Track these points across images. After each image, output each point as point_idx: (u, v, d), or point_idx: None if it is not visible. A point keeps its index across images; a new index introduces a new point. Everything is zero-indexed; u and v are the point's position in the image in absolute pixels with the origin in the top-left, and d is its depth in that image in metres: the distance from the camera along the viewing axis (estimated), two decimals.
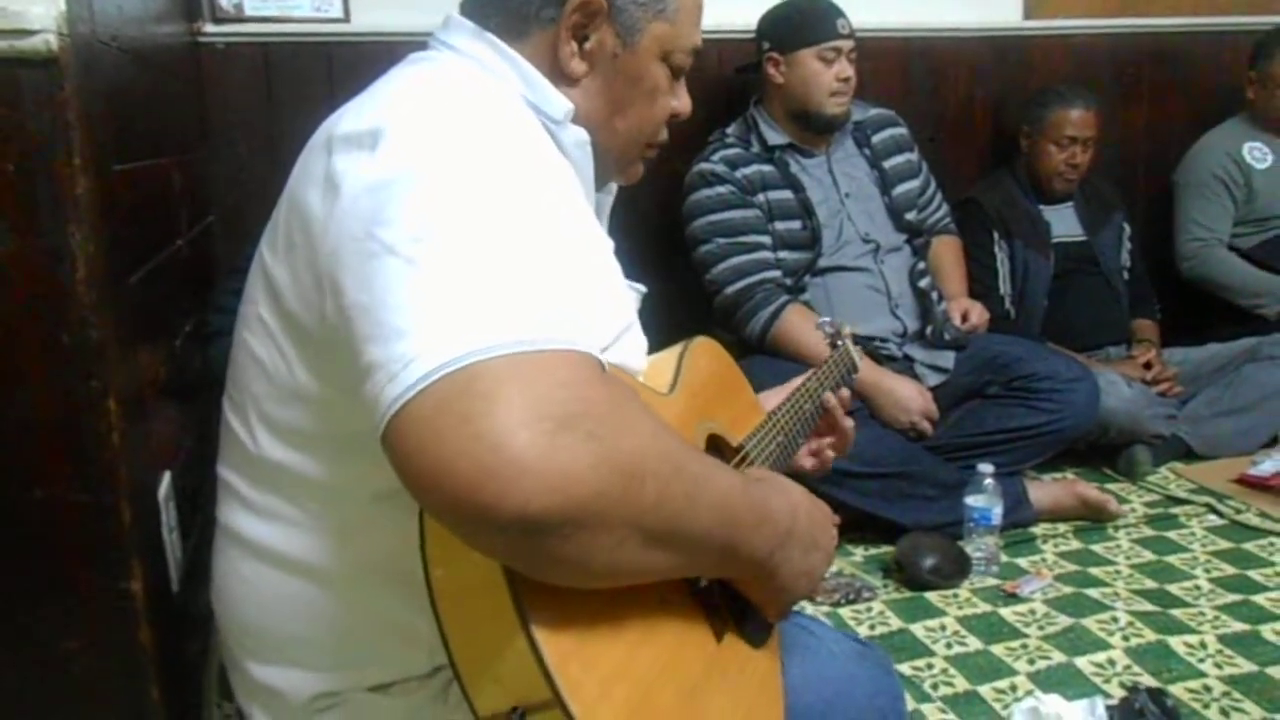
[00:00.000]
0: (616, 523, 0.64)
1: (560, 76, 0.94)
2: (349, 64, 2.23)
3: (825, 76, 2.26)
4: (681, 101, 1.04)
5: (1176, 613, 1.79)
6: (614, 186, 1.08)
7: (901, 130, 2.48)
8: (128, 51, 1.24)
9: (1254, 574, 1.93)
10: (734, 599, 0.88)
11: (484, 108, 0.84)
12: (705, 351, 1.07)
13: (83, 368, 0.87)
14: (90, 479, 0.89)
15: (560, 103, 0.92)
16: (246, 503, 0.90)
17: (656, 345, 1.01)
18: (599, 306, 0.84)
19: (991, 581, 1.94)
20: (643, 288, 1.02)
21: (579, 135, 0.94)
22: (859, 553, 2.07)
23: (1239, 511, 2.20)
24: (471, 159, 0.75)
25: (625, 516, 0.64)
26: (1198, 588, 1.90)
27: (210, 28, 2.19)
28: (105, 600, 0.90)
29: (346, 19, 2.25)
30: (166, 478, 1.13)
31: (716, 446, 1.05)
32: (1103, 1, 2.84)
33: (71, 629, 0.90)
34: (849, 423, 1.26)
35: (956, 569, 1.94)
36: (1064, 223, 2.70)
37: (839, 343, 1.40)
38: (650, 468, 0.66)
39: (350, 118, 0.82)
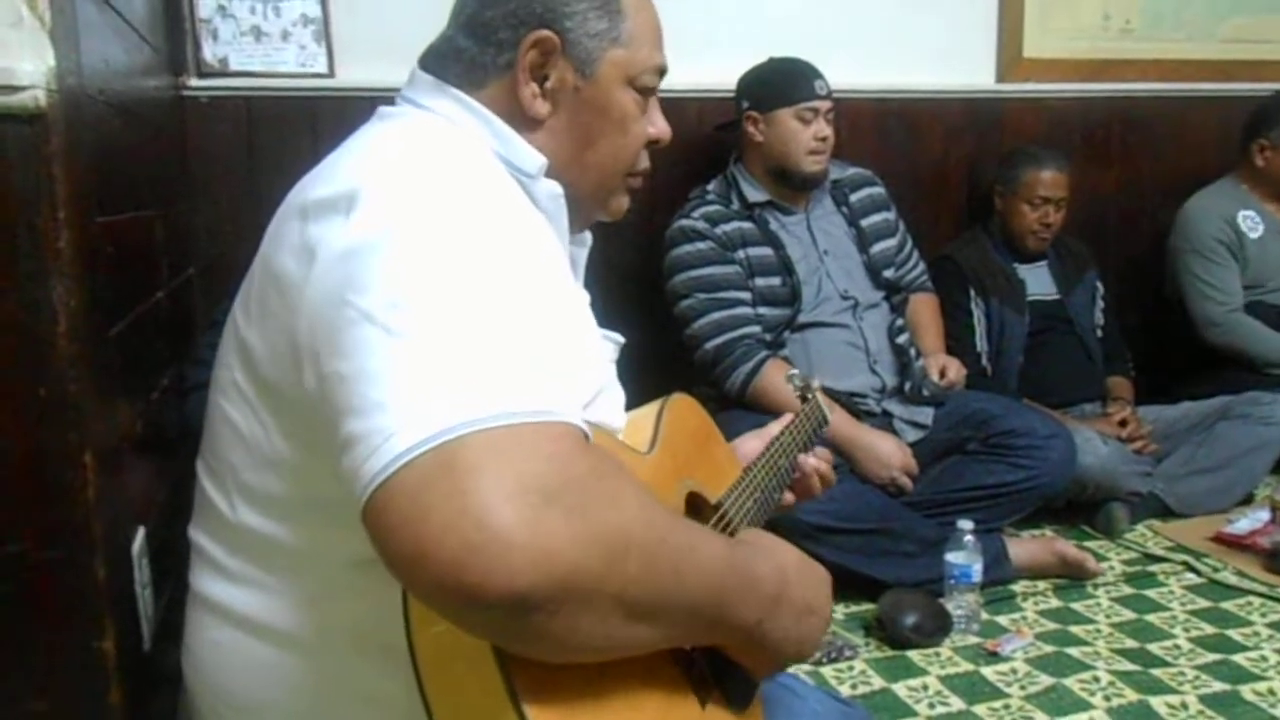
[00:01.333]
0: (601, 597, 0.63)
1: (524, 121, 0.93)
2: (333, 119, 2.24)
3: (803, 135, 2.30)
4: (658, 126, 1.02)
5: (1157, 672, 1.79)
6: (588, 238, 1.07)
7: (879, 189, 2.52)
8: (113, 105, 1.24)
9: (1233, 633, 1.94)
10: (716, 663, 0.86)
11: (458, 166, 0.84)
12: (683, 409, 1.07)
13: (59, 421, 0.86)
14: (63, 534, 0.87)
15: (533, 157, 0.92)
16: (220, 568, 0.89)
17: (636, 398, 1.01)
18: (577, 369, 0.83)
19: (973, 640, 1.93)
20: (620, 338, 1.02)
21: (552, 188, 0.93)
22: (840, 610, 2.06)
23: (1216, 570, 2.21)
24: (449, 221, 0.74)
25: (610, 591, 0.63)
26: (1178, 647, 1.90)
27: (195, 81, 2.20)
28: (76, 659, 0.88)
29: (331, 74, 2.27)
30: (141, 533, 1.11)
31: (695, 504, 1.04)
32: (1074, 67, 2.91)
33: (40, 689, 0.88)
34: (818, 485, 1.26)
35: (938, 627, 1.93)
36: (1038, 281, 2.74)
37: (809, 395, 1.41)
38: (635, 541, 0.65)
39: (323, 181, 0.81)
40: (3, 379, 0.85)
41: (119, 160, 1.26)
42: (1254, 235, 2.78)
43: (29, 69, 0.81)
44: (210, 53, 2.19)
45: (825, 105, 2.32)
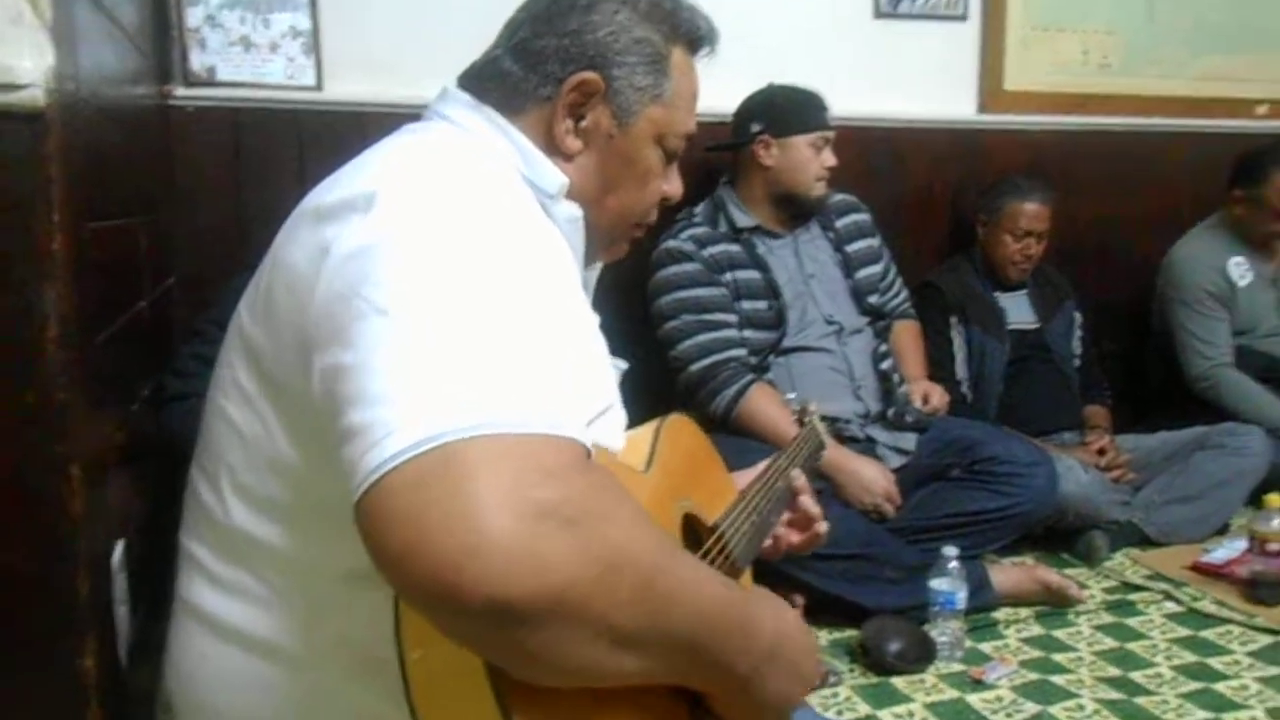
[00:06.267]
0: (588, 617, 0.61)
1: (554, 152, 0.94)
2: (319, 132, 2.23)
3: (814, 163, 2.34)
4: (673, 185, 1.05)
5: (1141, 700, 1.79)
6: (598, 263, 1.08)
7: (864, 216, 2.53)
8: (104, 109, 1.22)
9: (1214, 662, 1.94)
10: None
11: (479, 176, 0.83)
12: (680, 429, 1.07)
13: (47, 431, 0.84)
14: (47, 548, 0.85)
15: (555, 177, 0.93)
16: (211, 577, 0.86)
17: (629, 421, 0.99)
18: (582, 385, 0.82)
19: (957, 667, 1.92)
20: (624, 363, 1.02)
21: (571, 211, 0.94)
22: (823, 636, 2.04)
23: (1195, 599, 2.22)
24: (467, 226, 0.74)
25: (599, 610, 0.61)
26: (1160, 675, 1.90)
27: (182, 90, 2.17)
28: (56, 678, 0.85)
29: (319, 88, 2.25)
30: (119, 547, 1.08)
31: (692, 526, 1.03)
32: (1053, 100, 2.95)
33: (18, 709, 0.85)
34: (815, 509, 1.24)
35: (922, 653, 1.92)
36: (1018, 310, 2.76)
37: (806, 420, 1.40)
38: (629, 561, 0.63)
39: (343, 183, 0.80)
40: None
41: (108, 165, 1.24)
42: (1243, 283, 2.77)
43: (29, 67, 0.79)
44: (198, 62, 2.17)
45: (832, 135, 2.37)
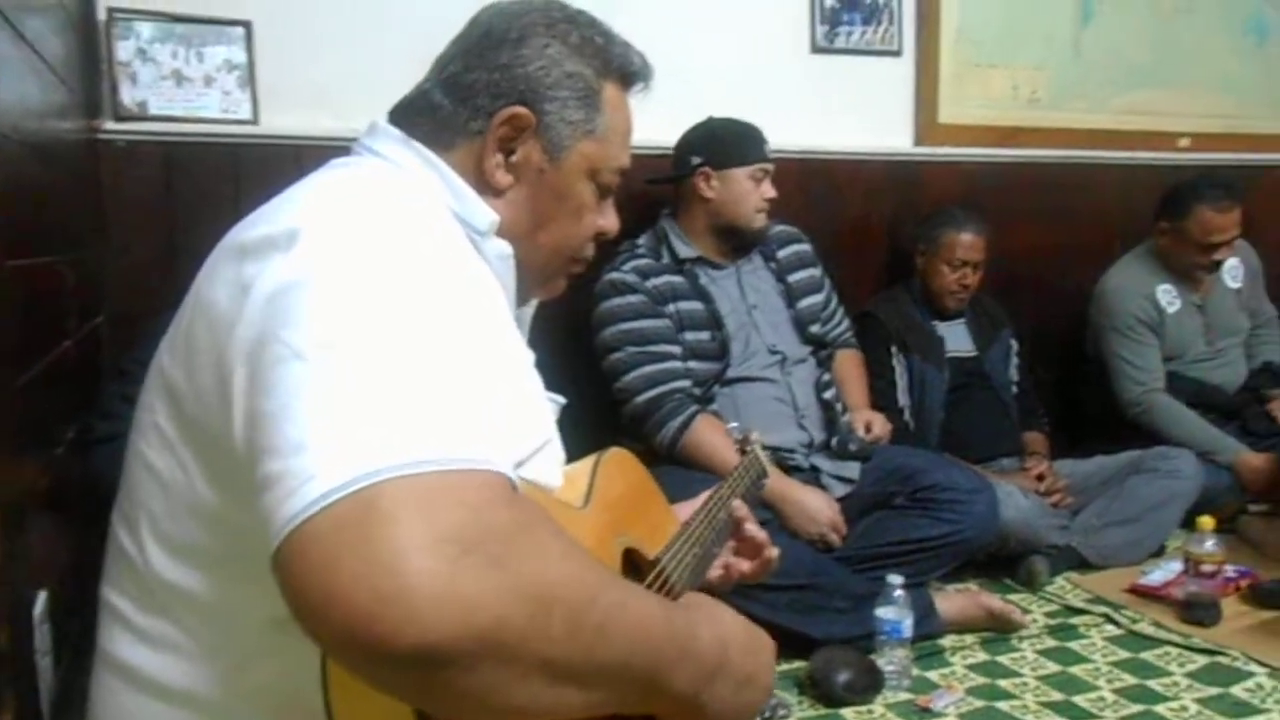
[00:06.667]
0: (522, 654, 0.59)
1: (485, 187, 0.93)
2: (256, 167, 2.19)
3: (754, 195, 2.37)
4: (608, 219, 1.04)
5: None
6: (534, 300, 1.07)
7: (806, 247, 2.56)
8: (26, 145, 1.19)
9: (1154, 684, 1.97)
10: None
11: (406, 214, 0.82)
12: (619, 463, 1.05)
13: None
14: None
15: (485, 214, 0.91)
16: (132, 628, 0.83)
17: (568, 456, 0.98)
18: (515, 422, 0.81)
19: (904, 696, 1.92)
20: (562, 399, 1.00)
21: (502, 248, 0.93)
22: None
23: (1135, 621, 2.25)
24: (389, 265, 0.72)
25: (532, 648, 0.60)
26: (1102, 699, 1.92)
27: (111, 125, 2.13)
28: None
29: (255, 121, 2.22)
30: (42, 597, 1.04)
31: (633, 561, 1.02)
32: (986, 133, 3.03)
33: None
34: (762, 534, 1.24)
35: (870, 683, 1.92)
36: (956, 338, 2.80)
37: (748, 449, 1.40)
38: (560, 595, 0.62)
39: (266, 219, 0.78)
40: None
41: (30, 202, 1.21)
42: (1172, 310, 2.87)
43: None
44: (129, 96, 2.12)
45: (771, 167, 2.39)
